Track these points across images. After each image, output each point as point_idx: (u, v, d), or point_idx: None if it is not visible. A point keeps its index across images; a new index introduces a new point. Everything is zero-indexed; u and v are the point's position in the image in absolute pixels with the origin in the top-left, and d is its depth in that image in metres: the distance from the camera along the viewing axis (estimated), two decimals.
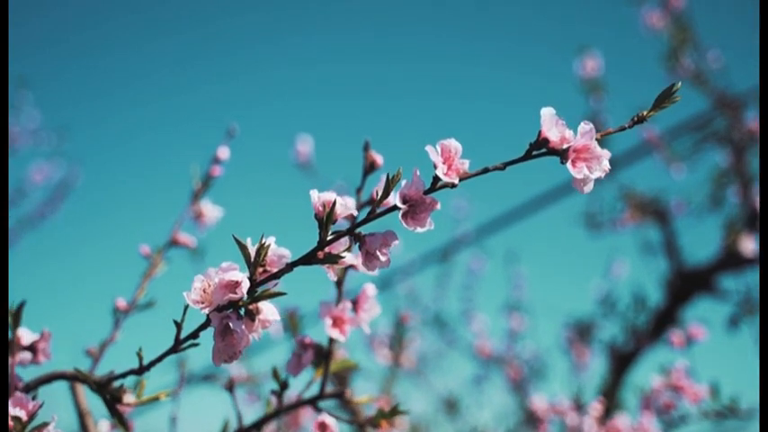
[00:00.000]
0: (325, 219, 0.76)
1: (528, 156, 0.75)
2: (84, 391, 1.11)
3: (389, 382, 3.02)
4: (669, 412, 1.80)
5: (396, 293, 4.00)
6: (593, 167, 0.74)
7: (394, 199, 0.74)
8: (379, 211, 0.76)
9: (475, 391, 4.03)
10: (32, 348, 1.02)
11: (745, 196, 3.01)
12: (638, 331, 3.05)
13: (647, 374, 1.86)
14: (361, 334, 0.99)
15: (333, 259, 0.77)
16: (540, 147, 0.75)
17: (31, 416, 0.86)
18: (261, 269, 0.78)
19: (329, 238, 0.77)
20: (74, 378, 0.97)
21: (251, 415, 1.10)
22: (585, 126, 0.73)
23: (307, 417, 2.45)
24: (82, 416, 1.10)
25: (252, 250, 0.77)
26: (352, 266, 0.98)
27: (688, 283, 3.03)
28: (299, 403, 1.04)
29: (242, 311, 0.78)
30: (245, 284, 0.75)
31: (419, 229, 0.75)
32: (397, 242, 0.76)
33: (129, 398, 0.94)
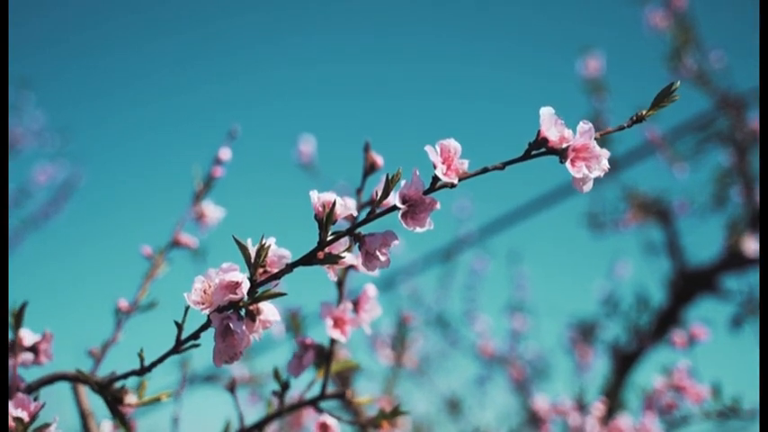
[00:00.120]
0: (325, 219, 0.76)
1: (527, 155, 0.75)
2: (86, 391, 1.11)
3: (392, 382, 3.02)
4: (671, 412, 1.79)
5: (398, 294, 4.00)
6: (593, 167, 0.74)
7: (394, 199, 0.74)
8: (378, 211, 0.76)
9: (478, 392, 4.03)
10: (34, 349, 1.02)
11: (748, 196, 3.01)
12: (641, 331, 3.04)
13: (649, 375, 1.86)
14: (363, 334, 0.99)
15: (333, 260, 0.77)
16: (540, 146, 0.75)
17: (33, 417, 0.86)
18: (261, 270, 0.78)
19: (329, 238, 0.77)
20: (75, 379, 0.97)
21: (253, 415, 1.11)
22: (584, 125, 0.74)
23: (309, 417, 2.45)
24: (84, 417, 1.10)
25: (252, 251, 0.77)
26: (352, 267, 0.99)
27: (691, 284, 3.02)
28: (301, 404, 1.05)
29: (242, 312, 0.78)
30: (246, 285, 0.75)
31: (418, 229, 0.75)
32: (396, 242, 0.76)
33: (130, 399, 0.95)
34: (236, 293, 0.75)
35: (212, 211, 1.34)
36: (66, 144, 4.87)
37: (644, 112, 0.75)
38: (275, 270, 0.78)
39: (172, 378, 2.51)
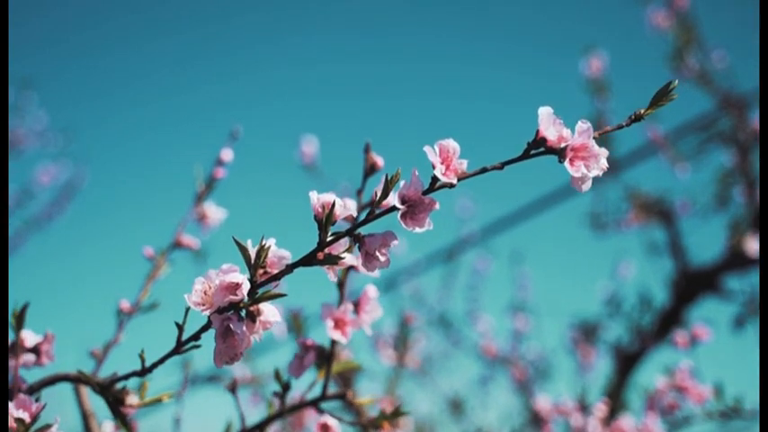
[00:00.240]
0: (325, 220, 0.76)
1: (526, 155, 0.75)
2: (87, 392, 1.11)
3: (394, 382, 3.02)
4: (673, 413, 1.79)
5: (401, 294, 3.99)
6: (591, 166, 0.74)
7: (393, 200, 0.74)
8: (378, 211, 0.77)
9: (480, 392, 4.02)
10: (36, 350, 1.02)
11: (751, 196, 3.01)
12: (644, 332, 3.04)
13: (652, 375, 1.86)
14: (365, 334, 0.99)
15: (332, 260, 0.77)
16: (538, 146, 0.75)
17: (34, 418, 0.86)
18: (261, 271, 0.78)
19: (329, 239, 0.77)
20: (77, 380, 0.97)
21: (256, 416, 1.11)
22: (583, 125, 0.74)
23: (311, 418, 2.45)
24: (86, 417, 1.11)
25: (252, 252, 0.77)
26: (353, 267, 0.99)
27: (693, 284, 3.02)
28: (302, 405, 1.05)
29: (243, 313, 0.78)
30: (246, 286, 0.75)
31: (418, 230, 0.75)
32: (396, 242, 0.77)
33: (131, 399, 0.95)
34: (236, 294, 0.75)
35: (214, 212, 1.34)
36: (69, 144, 4.88)
37: (642, 111, 0.75)
38: (275, 271, 0.79)
39: (174, 379, 2.51)
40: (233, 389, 1.08)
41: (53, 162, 4.77)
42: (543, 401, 2.16)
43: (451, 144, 0.74)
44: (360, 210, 0.96)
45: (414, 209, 0.75)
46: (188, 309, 0.79)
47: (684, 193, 3.35)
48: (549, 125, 0.74)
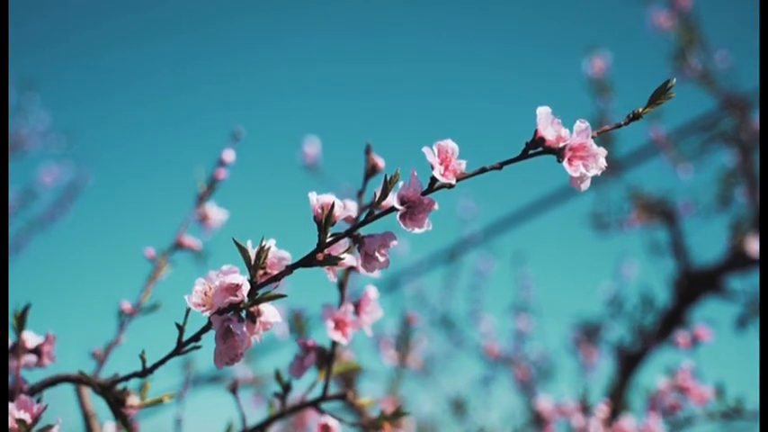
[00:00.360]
0: (324, 221, 0.76)
1: (524, 155, 0.75)
2: (89, 393, 1.11)
3: (396, 382, 3.02)
4: (675, 413, 1.79)
5: (403, 294, 3.99)
6: (590, 165, 0.74)
7: (392, 200, 0.75)
8: (377, 212, 0.77)
9: (482, 392, 4.02)
10: (37, 351, 1.02)
11: (753, 196, 3.00)
12: (646, 332, 3.04)
13: (654, 375, 1.86)
14: (367, 335, 0.99)
15: (332, 261, 0.77)
16: (537, 146, 0.75)
17: (36, 419, 0.86)
18: (261, 272, 0.78)
19: (328, 240, 0.77)
20: (78, 381, 0.97)
21: (258, 416, 1.11)
22: (581, 124, 0.74)
23: (313, 418, 2.45)
24: (87, 418, 1.11)
25: (252, 253, 0.78)
26: (353, 268, 0.99)
27: (695, 284, 3.02)
28: (302, 405, 1.05)
29: (243, 314, 0.78)
30: (246, 287, 0.75)
31: (417, 230, 0.75)
32: (395, 243, 0.77)
33: (132, 400, 0.95)
34: (236, 295, 0.75)
35: (216, 213, 1.34)
36: (72, 145, 4.89)
37: (640, 110, 0.75)
38: (275, 272, 0.79)
39: (176, 379, 2.51)
40: (234, 389, 1.08)
41: (56, 163, 4.78)
42: (544, 402, 2.16)
43: (450, 145, 0.74)
44: (361, 211, 0.96)
45: (413, 209, 0.75)
46: (188, 310, 0.79)
47: (687, 194, 3.35)
48: (548, 125, 0.74)
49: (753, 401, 1.76)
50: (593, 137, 0.74)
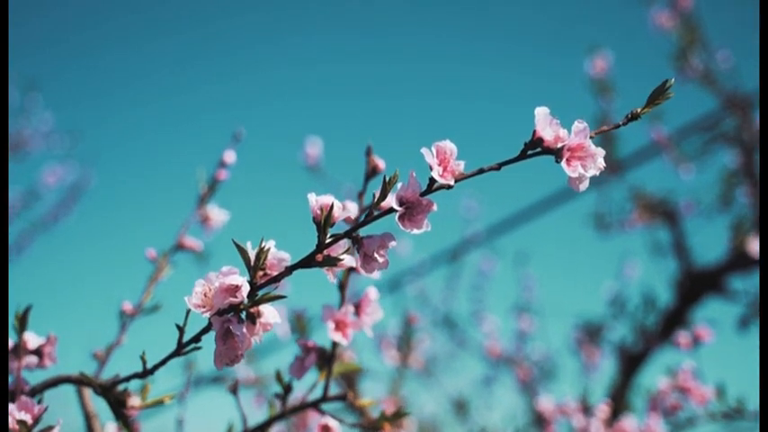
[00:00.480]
0: (323, 222, 0.77)
1: (523, 155, 0.75)
2: (90, 394, 1.12)
3: (398, 383, 3.02)
4: (676, 414, 1.79)
5: (405, 294, 3.99)
6: (588, 165, 0.74)
7: (391, 201, 0.75)
8: (376, 213, 0.77)
9: (484, 392, 4.02)
10: (38, 352, 1.03)
11: (755, 196, 3.00)
12: (648, 332, 3.04)
13: (656, 376, 1.86)
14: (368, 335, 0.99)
15: (331, 262, 0.77)
16: (535, 146, 0.75)
17: (36, 419, 0.86)
18: (261, 273, 0.79)
19: (327, 240, 0.77)
20: (79, 382, 0.97)
21: (259, 417, 1.11)
22: (579, 125, 0.74)
23: (314, 419, 2.45)
24: (88, 419, 1.11)
25: (252, 254, 0.78)
26: (353, 269, 0.99)
27: (697, 284, 3.02)
28: (303, 406, 1.05)
29: (243, 315, 0.78)
30: (245, 288, 0.76)
31: (416, 231, 0.75)
32: (394, 244, 0.77)
33: (133, 401, 0.95)
34: (236, 296, 0.75)
35: (217, 214, 1.34)
36: (75, 146, 4.89)
37: (639, 110, 0.75)
38: (275, 273, 0.79)
39: (178, 380, 2.51)
40: (234, 390, 1.08)
41: (59, 163, 4.79)
42: (546, 402, 2.16)
43: (448, 145, 0.74)
44: (361, 212, 0.96)
45: (412, 210, 0.75)
46: (189, 311, 0.79)
47: (688, 194, 3.35)
48: (546, 125, 0.74)
49: (754, 402, 1.76)
50: (591, 137, 0.74)
